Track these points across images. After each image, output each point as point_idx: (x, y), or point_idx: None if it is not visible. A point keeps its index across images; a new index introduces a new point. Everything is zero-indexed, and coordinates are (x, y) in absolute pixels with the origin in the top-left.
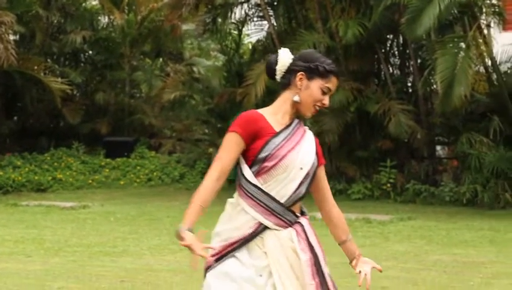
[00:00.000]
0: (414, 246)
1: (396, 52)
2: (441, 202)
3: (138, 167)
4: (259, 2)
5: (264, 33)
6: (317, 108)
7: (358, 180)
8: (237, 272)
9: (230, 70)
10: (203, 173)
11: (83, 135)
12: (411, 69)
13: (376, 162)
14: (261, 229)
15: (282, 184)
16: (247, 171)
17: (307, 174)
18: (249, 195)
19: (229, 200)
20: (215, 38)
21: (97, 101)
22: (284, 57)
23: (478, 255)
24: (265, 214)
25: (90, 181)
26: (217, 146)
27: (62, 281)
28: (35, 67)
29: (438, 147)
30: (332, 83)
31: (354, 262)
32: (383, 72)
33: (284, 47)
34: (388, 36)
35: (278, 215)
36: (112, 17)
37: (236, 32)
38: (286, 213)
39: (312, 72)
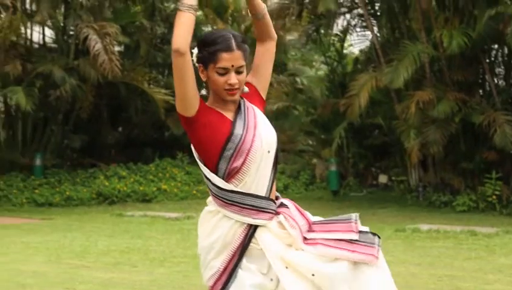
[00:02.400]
0: None
1: (501, 63)
2: None
3: None
4: (362, 12)
5: (367, 43)
6: (230, 90)
7: (463, 192)
8: (249, 282)
9: (333, 81)
10: (307, 184)
11: (187, 145)
12: None
13: (481, 173)
14: (252, 229)
15: (257, 177)
16: (216, 179)
17: (275, 153)
18: (230, 202)
19: (207, 209)
20: (318, 48)
21: None
22: (194, 51)
23: None
24: (253, 214)
25: (194, 192)
26: (320, 157)
27: None
28: (140, 78)
29: None
30: (224, 61)
31: None
32: (487, 83)
33: (387, 58)
34: (493, 46)
35: (265, 210)
36: (215, 27)
37: (339, 42)
38: (270, 204)
39: (203, 62)
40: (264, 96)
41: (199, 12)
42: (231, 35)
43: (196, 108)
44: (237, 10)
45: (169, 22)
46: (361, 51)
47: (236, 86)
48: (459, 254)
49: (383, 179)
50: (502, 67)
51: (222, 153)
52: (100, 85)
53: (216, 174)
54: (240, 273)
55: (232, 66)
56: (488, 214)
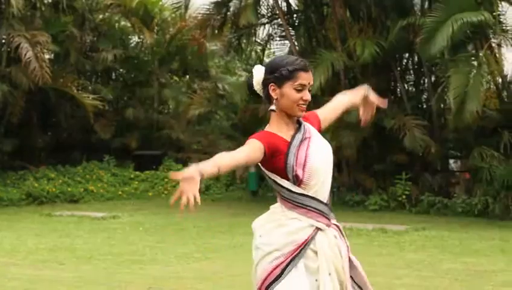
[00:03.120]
0: (428, 255)
1: (411, 70)
2: (454, 213)
3: (166, 179)
4: (281, 22)
5: (286, 52)
6: (303, 105)
7: (375, 192)
8: (300, 285)
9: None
10: (227, 185)
11: (113, 149)
12: (425, 86)
13: (392, 174)
14: (315, 232)
15: (321, 185)
16: (287, 183)
17: (332, 166)
18: (297, 204)
19: (273, 209)
20: (240, 57)
21: (127, 117)
22: (257, 75)
23: (489, 264)
24: (316, 217)
25: (120, 193)
26: None
27: (93, 288)
28: (69, 84)
29: (451, 161)
30: (302, 79)
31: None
32: (398, 89)
33: None
34: (404, 55)
35: (326, 216)
36: (142, 36)
37: (260, 51)
38: (329, 211)
39: (279, 80)
40: (321, 127)
41: (125, 22)
42: (303, 59)
43: (263, 154)
44: (163, 20)
45: (97, 31)
46: None
47: (308, 102)
48: (371, 251)
49: None
50: (412, 74)
51: (286, 167)
52: (31, 91)
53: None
54: (292, 271)
55: (308, 83)
56: (398, 212)
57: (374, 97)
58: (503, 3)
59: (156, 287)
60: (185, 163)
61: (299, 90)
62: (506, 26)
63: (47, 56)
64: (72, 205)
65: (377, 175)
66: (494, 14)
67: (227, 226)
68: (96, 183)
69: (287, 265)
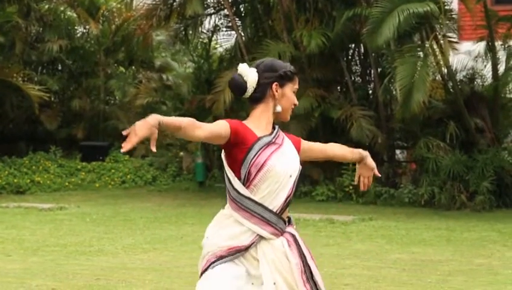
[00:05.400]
0: (375, 245)
1: (358, 61)
2: (401, 203)
3: (113, 170)
4: (227, 13)
5: (232, 42)
6: (292, 110)
7: (322, 182)
8: (231, 271)
9: (199, 78)
10: (174, 176)
11: (60, 139)
12: (372, 76)
13: (339, 165)
14: (258, 239)
15: (274, 194)
16: (237, 184)
17: (295, 180)
18: (243, 207)
19: (222, 211)
20: (187, 47)
21: (73, 108)
22: (252, 74)
23: (435, 254)
24: (261, 224)
25: (66, 184)
26: (187, 150)
27: (40, 279)
28: (15, 75)
29: (398, 151)
30: (297, 84)
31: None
32: (345, 80)
33: (251, 56)
34: (350, 46)
35: (273, 225)
36: (87, 27)
37: (206, 41)
38: (279, 222)
39: (283, 79)
40: (299, 150)
41: (71, 13)
42: None
43: (227, 135)
44: (109, 10)
45: (43, 21)
46: (226, 49)
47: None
48: (318, 241)
49: None
50: (359, 65)
51: (243, 162)
52: None
53: (239, 180)
54: (227, 263)
55: (297, 89)
56: (345, 203)
57: (372, 162)
58: None
59: (103, 278)
60: (131, 154)
61: (294, 94)
62: (451, 16)
63: None
64: (19, 197)
65: (324, 166)
66: (440, 4)
67: (174, 217)
68: (43, 174)
69: (218, 259)
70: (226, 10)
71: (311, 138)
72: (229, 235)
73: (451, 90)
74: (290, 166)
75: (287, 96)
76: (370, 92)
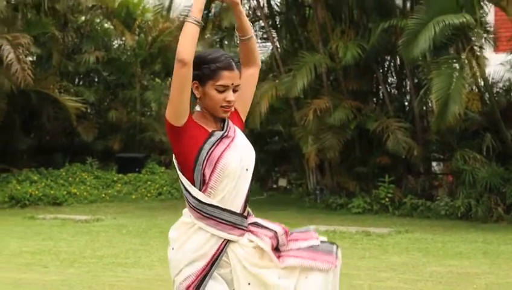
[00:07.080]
0: (411, 257)
1: (393, 73)
2: (437, 215)
3: (149, 182)
4: (263, 24)
5: (268, 54)
6: (227, 107)
7: (358, 195)
8: None
9: None
10: None
11: (96, 151)
12: (408, 88)
13: (375, 177)
14: (226, 244)
15: (234, 192)
16: (195, 192)
17: (252, 172)
18: (207, 215)
19: (182, 219)
20: None
21: (110, 119)
22: None
23: (472, 267)
24: (227, 229)
25: (103, 195)
26: None
27: None
28: (51, 87)
29: (434, 163)
30: (224, 79)
31: None
32: (381, 92)
33: (287, 68)
34: (386, 57)
35: (239, 226)
36: (123, 38)
37: None
38: (243, 221)
39: (202, 78)
40: (243, 119)
41: (108, 24)
42: (229, 56)
43: (185, 119)
44: (145, 22)
45: (80, 32)
46: (262, 61)
47: (232, 104)
48: (355, 254)
49: (282, 182)
50: (394, 77)
51: (196, 163)
52: (13, 94)
53: (194, 185)
54: (210, 282)
55: (232, 84)
56: (381, 215)
57: None
58: (485, 3)
59: None
60: (167, 166)
61: (221, 91)
62: (488, 28)
63: (29, 58)
64: (55, 208)
65: (360, 178)
66: (476, 16)
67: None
68: (79, 186)
69: (200, 283)
70: (261, 22)
71: (347, 149)
72: (195, 247)
73: (487, 101)
74: (245, 162)
75: (208, 95)
76: (406, 103)
